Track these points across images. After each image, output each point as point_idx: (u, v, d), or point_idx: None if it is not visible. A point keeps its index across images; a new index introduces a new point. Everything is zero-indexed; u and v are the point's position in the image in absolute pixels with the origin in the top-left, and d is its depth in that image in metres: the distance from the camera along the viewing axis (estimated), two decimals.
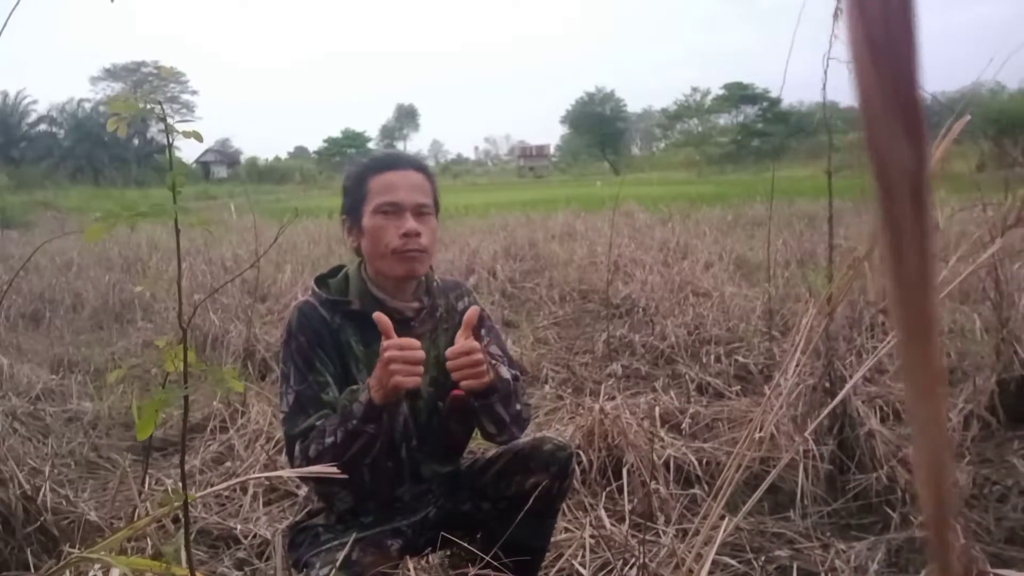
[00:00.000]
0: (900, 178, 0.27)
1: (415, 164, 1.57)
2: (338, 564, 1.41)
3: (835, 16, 2.20)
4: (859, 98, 0.27)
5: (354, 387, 1.44)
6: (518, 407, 1.57)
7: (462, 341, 1.44)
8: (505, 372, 1.54)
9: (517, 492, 1.60)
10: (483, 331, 1.68)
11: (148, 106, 0.85)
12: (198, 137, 0.93)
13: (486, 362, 1.44)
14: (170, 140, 0.85)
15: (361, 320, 1.52)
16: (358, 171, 1.56)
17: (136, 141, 45.38)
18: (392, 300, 1.54)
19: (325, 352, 1.51)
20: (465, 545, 1.57)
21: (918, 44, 0.27)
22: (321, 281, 1.60)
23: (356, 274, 1.56)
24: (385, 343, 1.36)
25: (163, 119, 0.85)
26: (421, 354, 1.37)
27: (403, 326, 1.54)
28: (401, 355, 1.34)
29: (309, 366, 1.49)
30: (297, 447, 1.45)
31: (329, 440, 1.41)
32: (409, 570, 1.97)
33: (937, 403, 0.30)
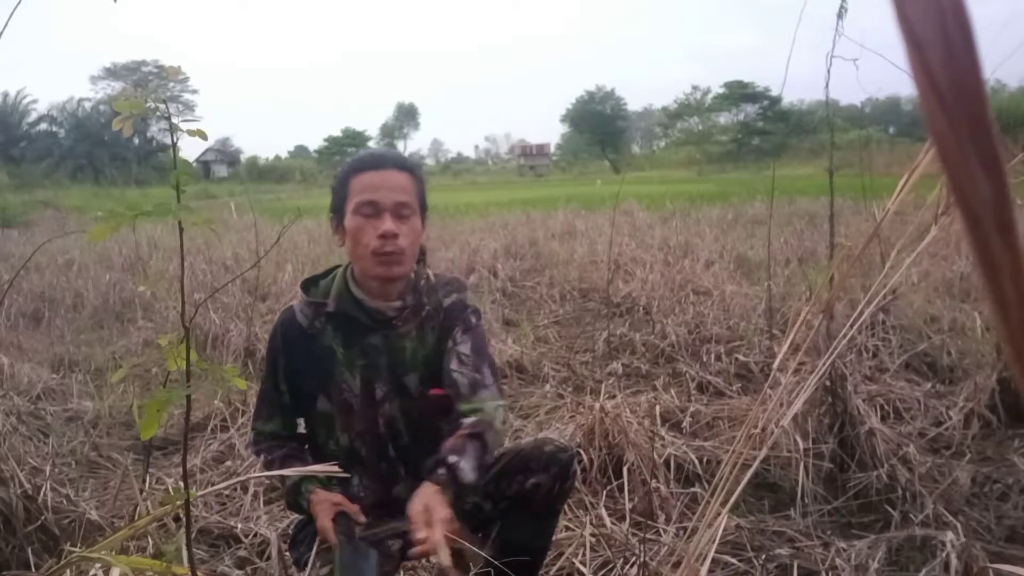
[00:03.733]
0: (983, 210, 0.27)
1: (398, 163, 1.55)
2: (333, 565, 1.42)
3: (839, 15, 2.20)
4: (931, 135, 0.28)
5: (304, 485, 1.51)
6: (487, 457, 1.49)
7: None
8: (466, 474, 1.38)
9: (518, 492, 1.60)
10: (457, 330, 1.59)
11: (152, 105, 0.85)
12: (203, 135, 0.93)
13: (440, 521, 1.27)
14: (175, 139, 0.85)
15: (341, 321, 1.56)
16: (343, 170, 1.58)
17: (136, 140, 45.38)
18: (372, 300, 1.55)
19: (294, 364, 1.58)
20: (466, 544, 1.57)
21: (983, 76, 0.27)
22: (308, 284, 1.64)
23: (341, 275, 1.59)
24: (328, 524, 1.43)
25: (167, 118, 0.85)
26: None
27: (385, 326, 1.56)
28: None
29: (272, 371, 1.61)
30: (251, 445, 1.68)
31: (271, 467, 1.59)
32: (410, 570, 1.97)
33: None
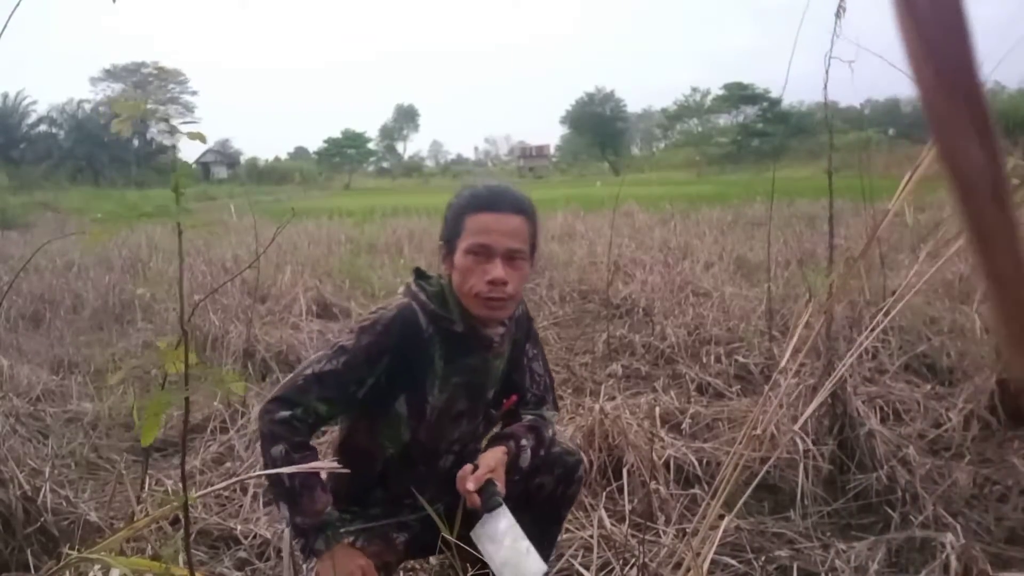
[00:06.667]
0: (977, 178, 0.26)
1: (516, 206, 1.50)
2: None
3: (837, 15, 2.20)
4: (923, 103, 0.26)
5: (332, 529, 1.44)
6: (542, 453, 1.65)
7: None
8: (525, 458, 1.58)
9: (522, 492, 1.61)
10: (528, 345, 1.71)
11: (151, 107, 0.85)
12: (202, 139, 0.93)
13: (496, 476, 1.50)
14: (173, 142, 0.85)
15: (447, 336, 1.52)
16: (460, 204, 1.52)
17: (136, 142, 45.38)
18: (482, 328, 1.54)
19: (398, 363, 1.49)
20: (467, 548, 1.57)
21: (973, 41, 0.26)
22: (421, 291, 1.55)
23: (453, 296, 1.53)
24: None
25: (166, 120, 0.85)
26: None
27: (487, 348, 1.57)
28: None
29: (367, 362, 1.47)
30: (269, 414, 1.44)
31: (274, 468, 1.41)
32: (412, 570, 1.97)
33: None
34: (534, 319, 1.76)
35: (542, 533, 1.69)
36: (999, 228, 0.27)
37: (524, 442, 1.58)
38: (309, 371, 1.47)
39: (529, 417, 1.66)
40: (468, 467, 1.49)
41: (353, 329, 1.52)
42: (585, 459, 1.91)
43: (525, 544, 1.46)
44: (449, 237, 1.52)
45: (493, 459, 1.50)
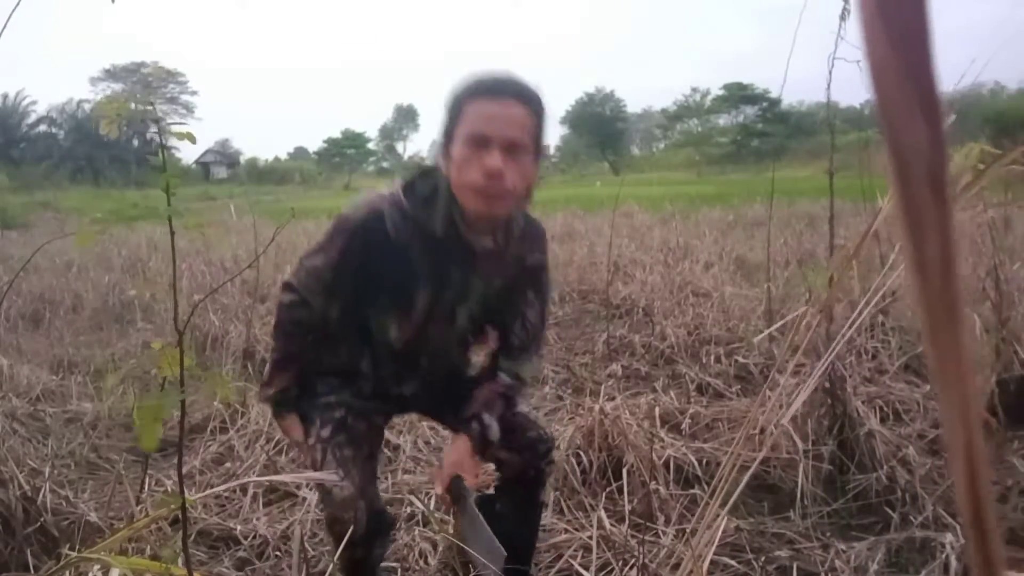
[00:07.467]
0: (916, 158, 0.25)
1: (518, 94, 1.40)
2: (335, 426, 1.51)
3: (842, 16, 2.20)
4: (871, 74, 0.26)
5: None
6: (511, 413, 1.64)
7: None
8: (493, 432, 1.56)
9: (490, 459, 1.65)
10: (530, 291, 1.64)
11: (140, 107, 0.84)
12: (191, 139, 0.93)
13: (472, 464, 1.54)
14: (163, 141, 0.85)
15: (429, 241, 1.46)
16: (459, 92, 1.43)
17: (136, 142, 45.37)
18: (467, 232, 1.46)
19: (370, 268, 1.50)
20: (455, 540, 1.59)
21: (931, 17, 0.25)
22: (410, 190, 1.47)
23: (448, 195, 1.44)
24: None
25: (156, 120, 0.84)
26: None
27: (466, 260, 1.50)
28: None
29: (340, 264, 1.52)
30: (287, 302, 1.62)
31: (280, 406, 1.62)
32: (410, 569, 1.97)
33: (966, 389, 0.28)
34: (547, 271, 1.68)
35: (522, 517, 1.70)
36: (931, 213, 0.26)
37: (486, 419, 1.55)
38: (307, 264, 1.58)
39: (505, 379, 1.61)
40: (435, 468, 1.54)
41: (329, 231, 1.56)
42: (555, 441, 1.88)
43: (487, 533, 1.50)
44: (447, 128, 1.42)
45: (456, 454, 1.52)
